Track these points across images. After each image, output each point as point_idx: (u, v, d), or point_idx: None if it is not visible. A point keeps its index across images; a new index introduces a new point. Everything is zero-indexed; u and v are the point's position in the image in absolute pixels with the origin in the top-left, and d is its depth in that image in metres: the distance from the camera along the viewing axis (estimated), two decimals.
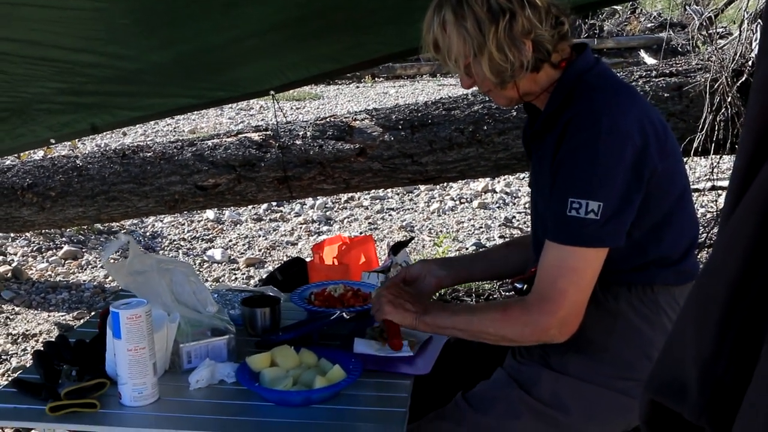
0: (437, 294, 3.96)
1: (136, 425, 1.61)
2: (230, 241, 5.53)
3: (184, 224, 5.82)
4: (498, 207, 6.28)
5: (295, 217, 6.03)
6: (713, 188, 5.08)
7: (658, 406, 0.72)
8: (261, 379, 1.72)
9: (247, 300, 2.10)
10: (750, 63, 3.81)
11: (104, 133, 7.71)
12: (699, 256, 3.99)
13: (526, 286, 1.71)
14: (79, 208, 3.88)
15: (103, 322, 1.91)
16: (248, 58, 2.95)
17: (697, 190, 5.08)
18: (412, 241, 5.29)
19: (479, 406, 1.75)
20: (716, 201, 5.22)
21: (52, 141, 3.33)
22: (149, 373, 1.65)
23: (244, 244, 5.46)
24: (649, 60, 10.82)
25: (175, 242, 5.51)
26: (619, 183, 1.53)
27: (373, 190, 5.81)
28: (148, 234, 5.66)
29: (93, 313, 2.65)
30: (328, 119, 3.97)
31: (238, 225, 5.85)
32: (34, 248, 5.23)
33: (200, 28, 2.60)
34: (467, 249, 5.23)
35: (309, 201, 6.19)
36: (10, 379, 3.01)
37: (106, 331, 1.70)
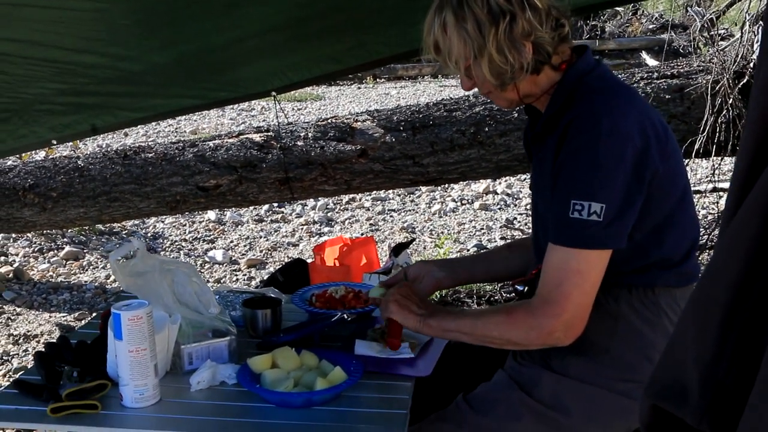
0: (437, 295, 3.98)
1: (137, 426, 1.62)
2: (231, 242, 5.53)
3: (185, 225, 5.82)
4: (499, 208, 6.27)
5: (296, 218, 6.03)
6: (714, 190, 5.09)
7: (659, 410, 0.72)
8: (262, 381, 1.72)
9: (249, 301, 2.10)
10: (751, 65, 3.81)
11: (106, 134, 7.74)
12: (700, 258, 3.99)
13: (527, 288, 1.71)
14: (80, 208, 3.88)
15: (104, 323, 1.91)
16: (250, 58, 2.95)
17: (698, 191, 5.08)
18: (414, 243, 5.29)
19: (480, 408, 1.74)
20: (717, 203, 5.22)
21: (54, 142, 3.34)
22: (150, 374, 1.65)
23: (245, 245, 5.46)
24: (651, 61, 10.82)
25: (176, 243, 5.51)
26: (620, 184, 1.53)
27: (374, 192, 5.80)
28: (149, 235, 5.66)
29: (94, 314, 2.65)
30: (329, 120, 3.97)
31: (240, 226, 5.86)
32: (36, 249, 5.23)
33: (201, 28, 2.60)
34: (468, 250, 5.23)
35: (310, 202, 6.19)
36: (11, 380, 3.01)
37: (108, 332, 1.70)
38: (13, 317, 4.23)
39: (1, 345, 3.89)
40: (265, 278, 4.36)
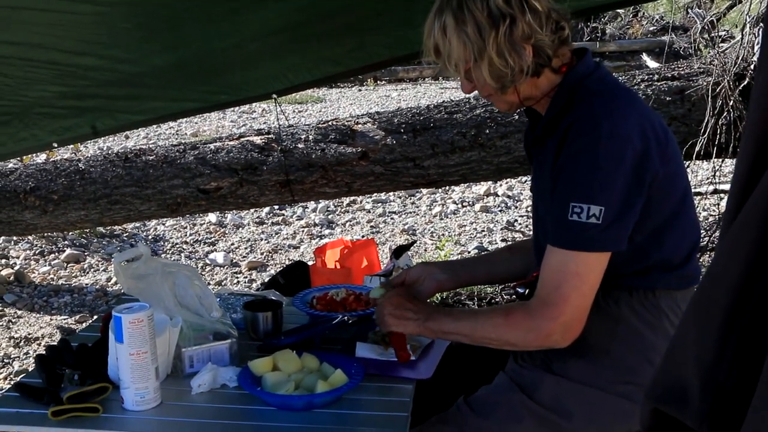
0: (438, 297, 3.98)
1: (138, 429, 1.62)
2: (232, 244, 5.54)
3: (186, 228, 5.82)
4: (500, 210, 6.28)
5: (297, 220, 6.03)
6: (715, 192, 5.08)
7: (660, 413, 0.72)
8: (263, 384, 1.72)
9: (249, 304, 2.10)
10: (752, 67, 3.81)
11: (106, 137, 7.74)
12: (701, 260, 3.99)
13: (527, 290, 1.71)
14: (81, 211, 3.88)
15: (105, 326, 1.91)
16: (250, 61, 2.96)
17: (699, 193, 5.08)
18: (414, 245, 5.29)
19: (481, 411, 1.74)
20: (718, 204, 5.22)
21: (55, 144, 3.34)
22: (151, 377, 1.65)
23: (246, 248, 5.46)
24: (652, 63, 10.82)
25: (177, 246, 5.51)
26: (619, 187, 1.53)
27: (375, 194, 5.81)
28: (150, 237, 5.66)
29: (95, 317, 2.65)
30: (330, 123, 3.97)
31: (241, 228, 5.86)
32: (37, 252, 5.23)
33: (202, 32, 2.60)
34: (469, 252, 5.23)
35: (311, 204, 6.19)
36: (12, 382, 3.01)
37: (109, 335, 1.70)
38: (14, 320, 4.23)
39: (2, 348, 3.89)
40: (266, 281, 4.36)
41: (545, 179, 1.68)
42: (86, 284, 4.77)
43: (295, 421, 1.61)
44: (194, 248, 5.47)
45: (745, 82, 3.77)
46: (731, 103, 3.71)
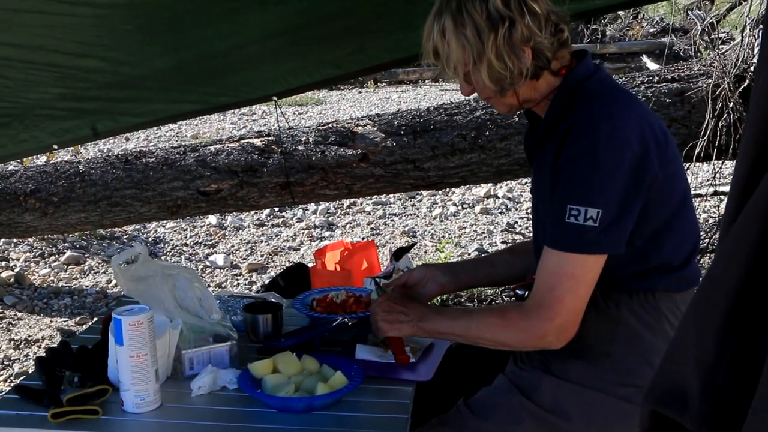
0: (439, 299, 3.97)
1: None
2: (232, 246, 5.53)
3: (186, 230, 5.82)
4: (500, 212, 6.28)
5: (297, 222, 6.03)
6: (715, 194, 5.08)
7: (659, 416, 0.72)
8: (263, 386, 1.72)
9: (249, 306, 2.10)
10: (752, 68, 3.82)
11: (107, 139, 7.74)
12: (701, 262, 3.99)
13: (527, 292, 1.71)
14: (81, 213, 3.88)
15: (105, 329, 1.91)
16: (251, 64, 2.96)
17: (699, 195, 5.08)
18: (415, 247, 5.29)
19: (481, 413, 1.74)
20: (719, 206, 5.22)
21: (55, 146, 3.34)
22: (151, 379, 1.65)
23: (246, 250, 5.46)
24: (652, 65, 10.82)
25: (177, 248, 5.51)
26: (618, 190, 1.53)
27: (375, 196, 5.81)
28: (150, 239, 5.66)
29: (95, 319, 2.65)
30: (330, 125, 3.97)
31: (241, 230, 5.86)
32: (37, 254, 5.23)
33: (203, 34, 2.60)
34: (469, 254, 5.22)
35: (311, 206, 6.19)
36: (12, 385, 3.01)
37: (109, 337, 1.70)
38: (14, 322, 4.23)
39: (2, 350, 3.89)
40: (266, 283, 4.36)
41: (545, 181, 1.68)
42: (86, 286, 4.77)
43: (295, 424, 1.61)
44: (194, 250, 5.47)
45: (745, 84, 3.78)
46: (731, 105, 3.71)
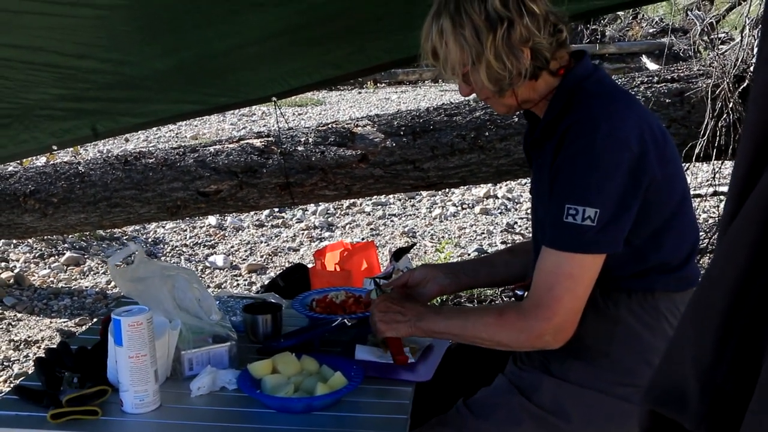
0: (439, 300, 3.97)
1: None
2: (232, 247, 5.53)
3: (186, 230, 5.82)
4: (500, 213, 6.28)
5: (297, 223, 6.03)
6: (715, 194, 5.09)
7: (658, 415, 0.72)
8: (262, 386, 1.72)
9: (249, 307, 2.10)
10: (752, 69, 3.82)
11: (106, 140, 7.75)
12: (701, 262, 3.99)
13: (526, 293, 1.71)
14: (81, 214, 3.88)
15: (104, 329, 1.91)
16: (250, 64, 2.96)
17: (698, 195, 5.08)
18: (414, 247, 5.29)
19: (480, 413, 1.74)
20: (718, 206, 5.23)
21: (54, 147, 3.33)
22: (151, 380, 1.65)
23: (246, 251, 5.46)
24: (651, 65, 10.82)
25: (177, 248, 5.51)
26: (616, 190, 1.53)
27: (374, 196, 5.81)
28: (150, 240, 5.66)
29: (95, 320, 2.65)
30: (330, 125, 3.97)
31: (240, 231, 5.86)
32: (37, 254, 5.23)
33: (203, 35, 2.60)
34: (469, 255, 5.22)
35: (311, 207, 6.19)
36: (11, 385, 3.01)
37: (108, 337, 1.70)
38: (13, 323, 4.23)
39: (1, 351, 3.89)
40: (265, 283, 4.36)
41: (544, 182, 1.68)
42: (86, 287, 4.77)
43: (294, 424, 1.61)
44: (194, 251, 5.47)
45: (745, 84, 3.78)
46: (731, 105, 3.71)
